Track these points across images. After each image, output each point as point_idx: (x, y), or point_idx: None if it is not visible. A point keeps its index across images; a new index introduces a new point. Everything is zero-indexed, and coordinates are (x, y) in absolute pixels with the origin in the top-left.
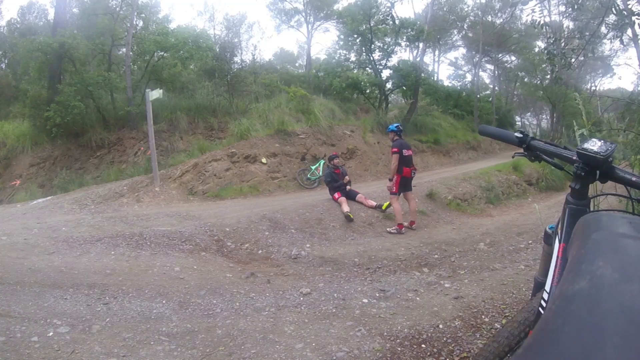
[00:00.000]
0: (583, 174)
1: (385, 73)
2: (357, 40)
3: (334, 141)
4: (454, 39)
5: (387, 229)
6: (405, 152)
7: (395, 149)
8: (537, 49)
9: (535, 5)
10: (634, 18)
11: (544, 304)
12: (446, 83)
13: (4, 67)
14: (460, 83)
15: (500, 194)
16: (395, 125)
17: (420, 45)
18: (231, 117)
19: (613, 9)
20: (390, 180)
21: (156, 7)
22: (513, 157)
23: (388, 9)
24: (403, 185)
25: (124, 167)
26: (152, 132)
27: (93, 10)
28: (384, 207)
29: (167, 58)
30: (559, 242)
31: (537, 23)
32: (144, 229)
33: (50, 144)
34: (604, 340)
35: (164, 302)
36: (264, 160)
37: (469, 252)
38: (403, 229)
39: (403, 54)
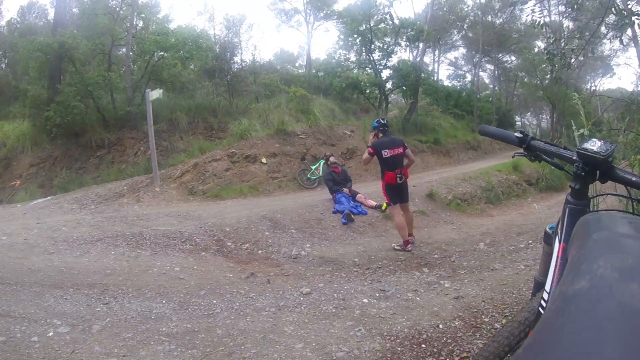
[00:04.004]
0: (583, 174)
1: (385, 73)
2: (357, 40)
3: (334, 141)
4: (454, 39)
5: (393, 245)
6: (386, 153)
7: (371, 150)
8: (537, 49)
9: (534, 6)
10: (633, 18)
11: (544, 304)
12: (446, 83)
13: (4, 67)
14: (460, 83)
15: (500, 194)
16: (376, 120)
17: (420, 45)
18: (231, 117)
19: (613, 9)
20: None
21: (156, 7)
22: (513, 157)
23: (387, 7)
24: (395, 193)
25: (124, 167)
26: (152, 132)
27: (93, 10)
28: (383, 207)
29: (167, 58)
30: (559, 242)
31: (537, 23)
32: (144, 229)
33: (50, 144)
34: (604, 340)
35: (164, 302)
36: (264, 160)
37: (469, 252)
38: (409, 246)
39: (403, 54)
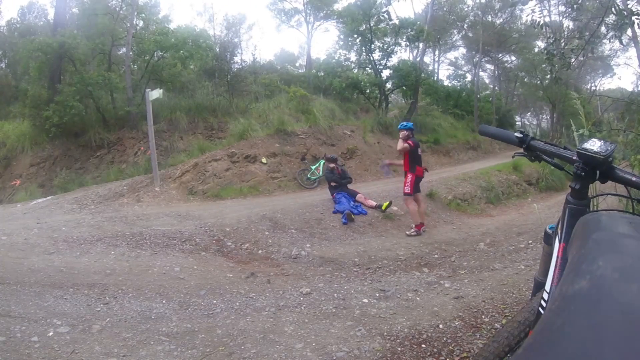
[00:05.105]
0: (583, 174)
1: (385, 73)
2: (357, 40)
3: (334, 141)
4: (454, 39)
5: (406, 232)
6: (420, 151)
7: (412, 143)
8: (537, 49)
9: (535, 5)
10: (633, 18)
11: (544, 304)
12: (446, 83)
13: (4, 67)
14: (460, 83)
15: (500, 194)
16: (411, 123)
17: (420, 45)
18: (231, 117)
19: (613, 9)
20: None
21: (156, 7)
22: (513, 157)
23: (385, 6)
24: (416, 185)
25: (124, 167)
26: (152, 132)
27: (93, 10)
28: (383, 207)
29: (167, 58)
30: (559, 242)
31: (537, 23)
32: (144, 229)
33: (50, 144)
34: (604, 340)
35: (164, 302)
36: (264, 160)
37: (469, 252)
38: (422, 229)
39: (403, 54)
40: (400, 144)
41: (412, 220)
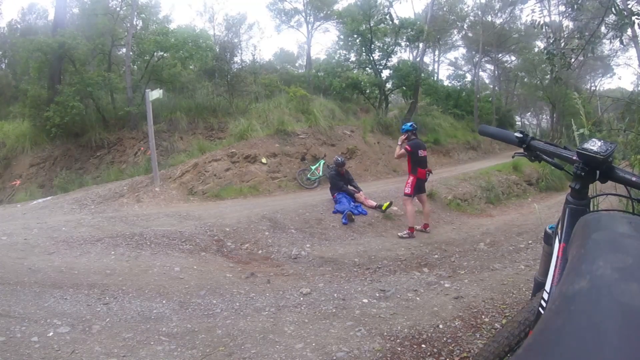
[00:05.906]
0: (583, 174)
1: (385, 73)
2: (357, 41)
3: (334, 141)
4: (454, 39)
5: (399, 234)
6: (421, 153)
7: (409, 148)
8: (537, 49)
9: (534, 5)
10: (633, 18)
11: (544, 304)
12: (446, 83)
13: (4, 67)
14: (460, 83)
15: (500, 194)
16: (410, 124)
17: (420, 45)
18: (231, 117)
19: (613, 9)
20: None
21: (156, 7)
22: (513, 157)
23: (386, 8)
24: (417, 187)
25: (124, 167)
26: (152, 132)
27: (93, 11)
28: (384, 207)
29: (167, 58)
30: (559, 242)
31: (537, 23)
32: (144, 229)
33: (50, 144)
34: (604, 340)
35: (164, 302)
36: (264, 160)
37: (469, 252)
38: (414, 232)
39: (403, 54)
40: (397, 150)
41: (408, 222)
